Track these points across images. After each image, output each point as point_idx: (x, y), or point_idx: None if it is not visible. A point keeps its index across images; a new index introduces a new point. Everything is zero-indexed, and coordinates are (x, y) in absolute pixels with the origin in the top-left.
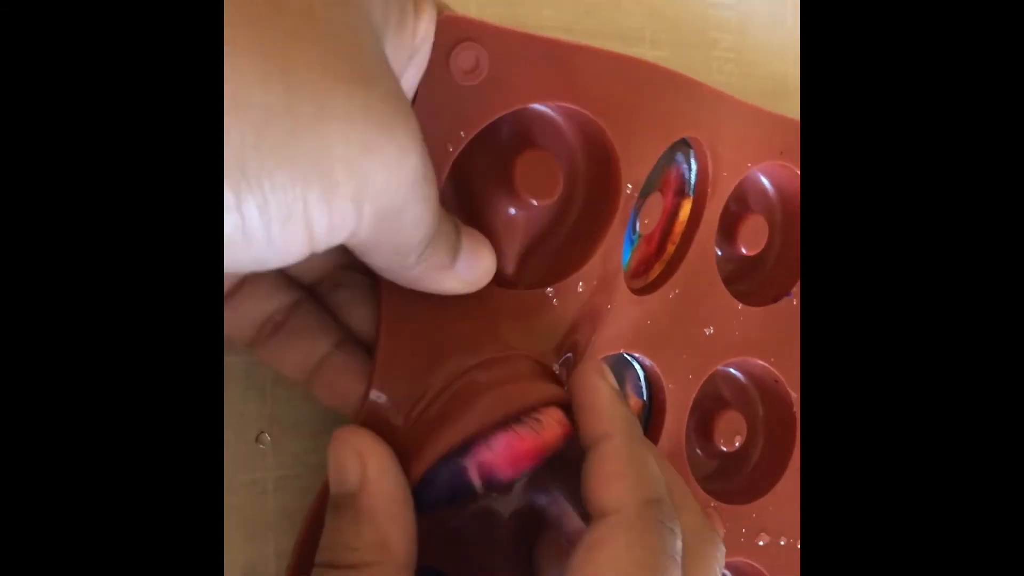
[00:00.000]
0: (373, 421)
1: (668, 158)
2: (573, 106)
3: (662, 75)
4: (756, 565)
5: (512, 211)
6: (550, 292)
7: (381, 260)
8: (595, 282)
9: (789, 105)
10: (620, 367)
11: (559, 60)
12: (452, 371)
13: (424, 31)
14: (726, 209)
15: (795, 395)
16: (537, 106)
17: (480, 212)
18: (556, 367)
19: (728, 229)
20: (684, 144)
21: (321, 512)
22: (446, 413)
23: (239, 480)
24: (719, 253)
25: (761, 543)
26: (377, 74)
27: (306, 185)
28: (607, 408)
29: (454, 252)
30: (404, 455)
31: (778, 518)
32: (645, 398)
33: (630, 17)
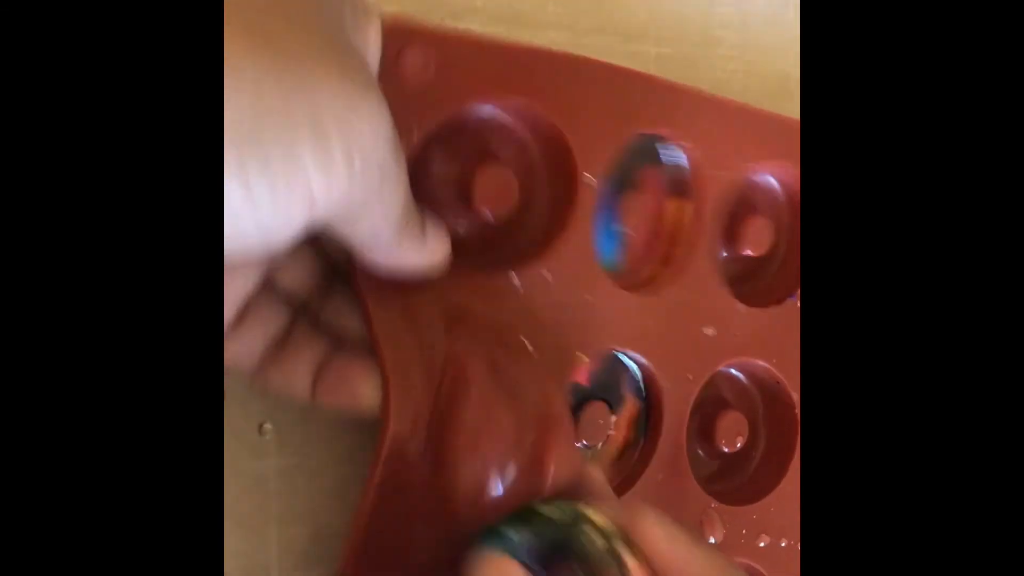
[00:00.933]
0: (399, 442)
1: (642, 157)
2: (521, 100)
3: (616, 73)
4: (757, 567)
5: (468, 220)
6: (514, 276)
7: (367, 230)
8: (565, 271)
9: (792, 104)
10: (615, 367)
11: (506, 60)
12: (441, 358)
13: (375, 38)
14: (731, 210)
15: (797, 397)
16: (491, 112)
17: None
18: (528, 345)
19: (733, 230)
20: (664, 143)
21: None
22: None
23: (240, 470)
24: (723, 254)
25: (762, 544)
26: (349, 51)
27: (303, 141)
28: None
29: (423, 226)
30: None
31: (779, 519)
32: (643, 399)
33: (633, 14)
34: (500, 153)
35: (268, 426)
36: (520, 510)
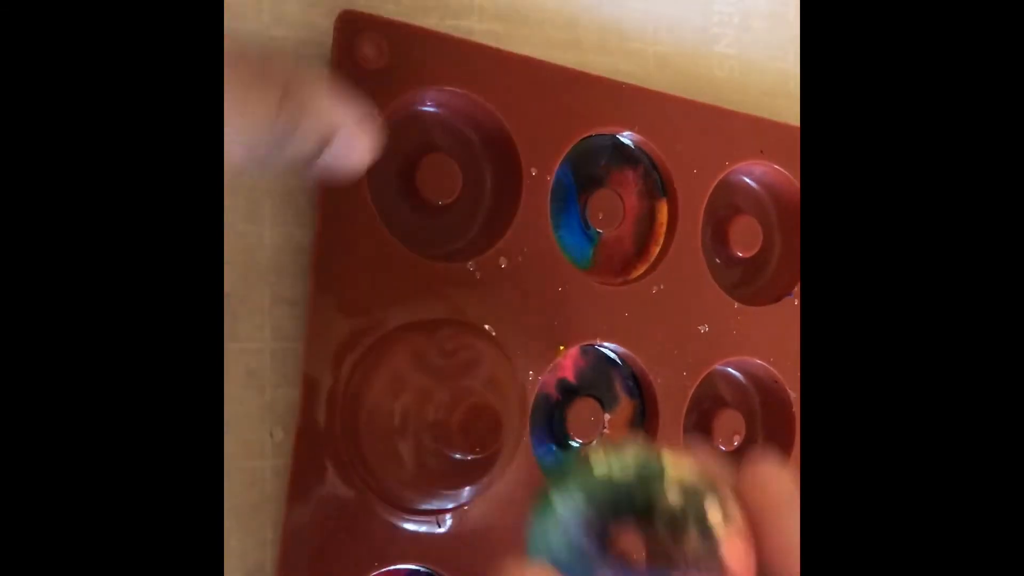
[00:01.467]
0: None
1: (615, 159)
2: (471, 94)
3: (568, 76)
4: None
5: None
6: (471, 266)
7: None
8: (520, 258)
9: (791, 102)
10: (605, 366)
11: (457, 53)
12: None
13: None
14: (715, 213)
15: (794, 395)
16: (435, 103)
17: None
18: (491, 331)
19: (720, 233)
20: (629, 145)
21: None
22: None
23: (236, 468)
24: (717, 260)
25: None
26: None
27: None
28: None
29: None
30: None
31: None
32: (637, 398)
33: (632, 12)
34: (443, 144)
35: (279, 431)
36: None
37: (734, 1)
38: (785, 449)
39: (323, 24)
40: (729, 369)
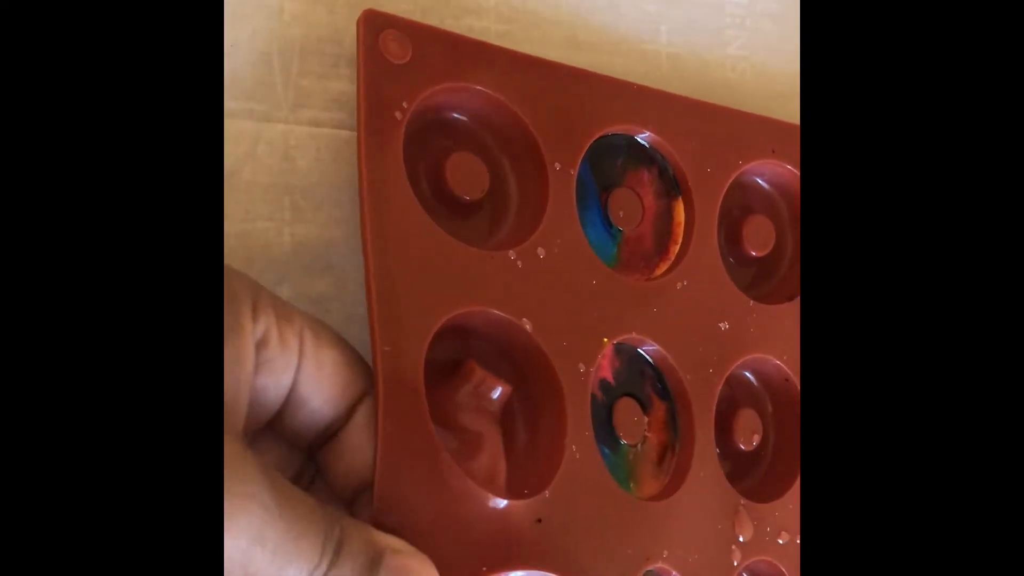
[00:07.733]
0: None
1: (630, 159)
2: (490, 91)
3: (584, 77)
4: (777, 564)
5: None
6: (512, 255)
7: None
8: (556, 250)
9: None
10: (638, 365)
11: (476, 54)
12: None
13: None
14: (729, 213)
15: None
16: (455, 108)
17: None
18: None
19: (733, 233)
20: (644, 145)
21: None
22: None
23: None
24: (730, 260)
25: (781, 541)
26: None
27: None
28: None
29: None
30: None
31: (797, 516)
32: (668, 399)
33: (645, 15)
34: (466, 142)
35: None
36: None
37: (745, 4)
38: (796, 448)
39: (340, 23)
40: (742, 371)
